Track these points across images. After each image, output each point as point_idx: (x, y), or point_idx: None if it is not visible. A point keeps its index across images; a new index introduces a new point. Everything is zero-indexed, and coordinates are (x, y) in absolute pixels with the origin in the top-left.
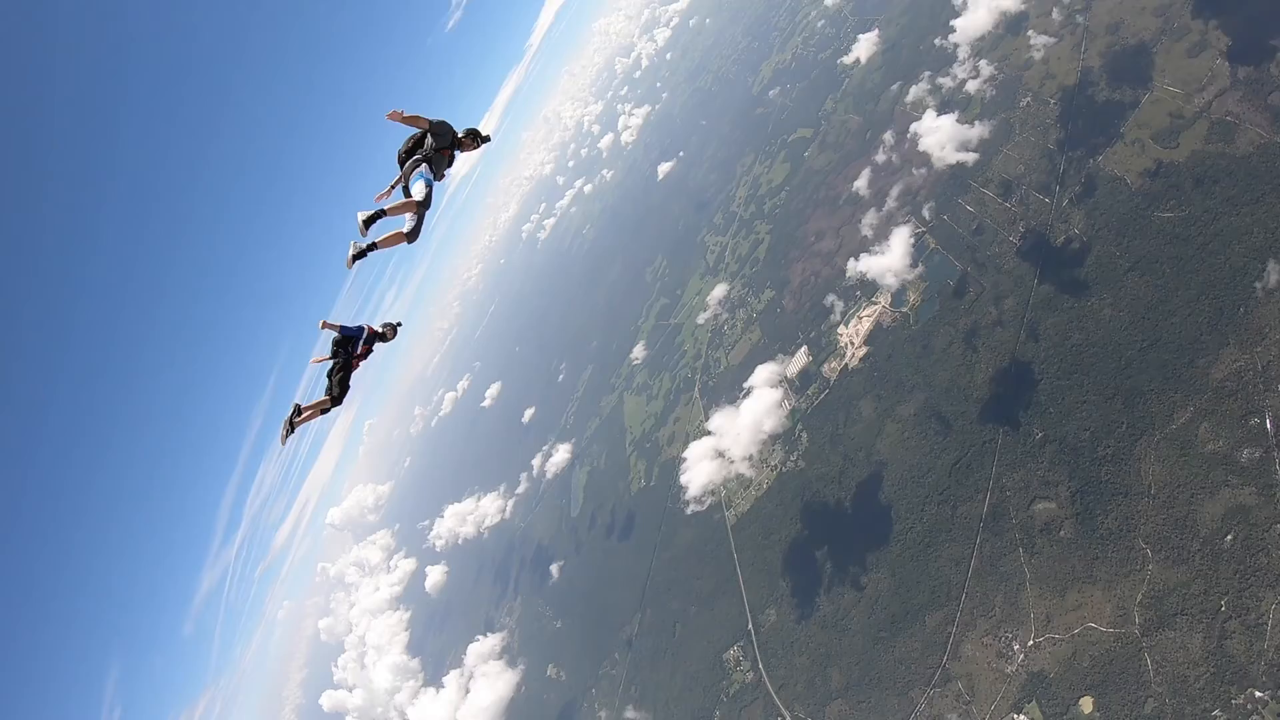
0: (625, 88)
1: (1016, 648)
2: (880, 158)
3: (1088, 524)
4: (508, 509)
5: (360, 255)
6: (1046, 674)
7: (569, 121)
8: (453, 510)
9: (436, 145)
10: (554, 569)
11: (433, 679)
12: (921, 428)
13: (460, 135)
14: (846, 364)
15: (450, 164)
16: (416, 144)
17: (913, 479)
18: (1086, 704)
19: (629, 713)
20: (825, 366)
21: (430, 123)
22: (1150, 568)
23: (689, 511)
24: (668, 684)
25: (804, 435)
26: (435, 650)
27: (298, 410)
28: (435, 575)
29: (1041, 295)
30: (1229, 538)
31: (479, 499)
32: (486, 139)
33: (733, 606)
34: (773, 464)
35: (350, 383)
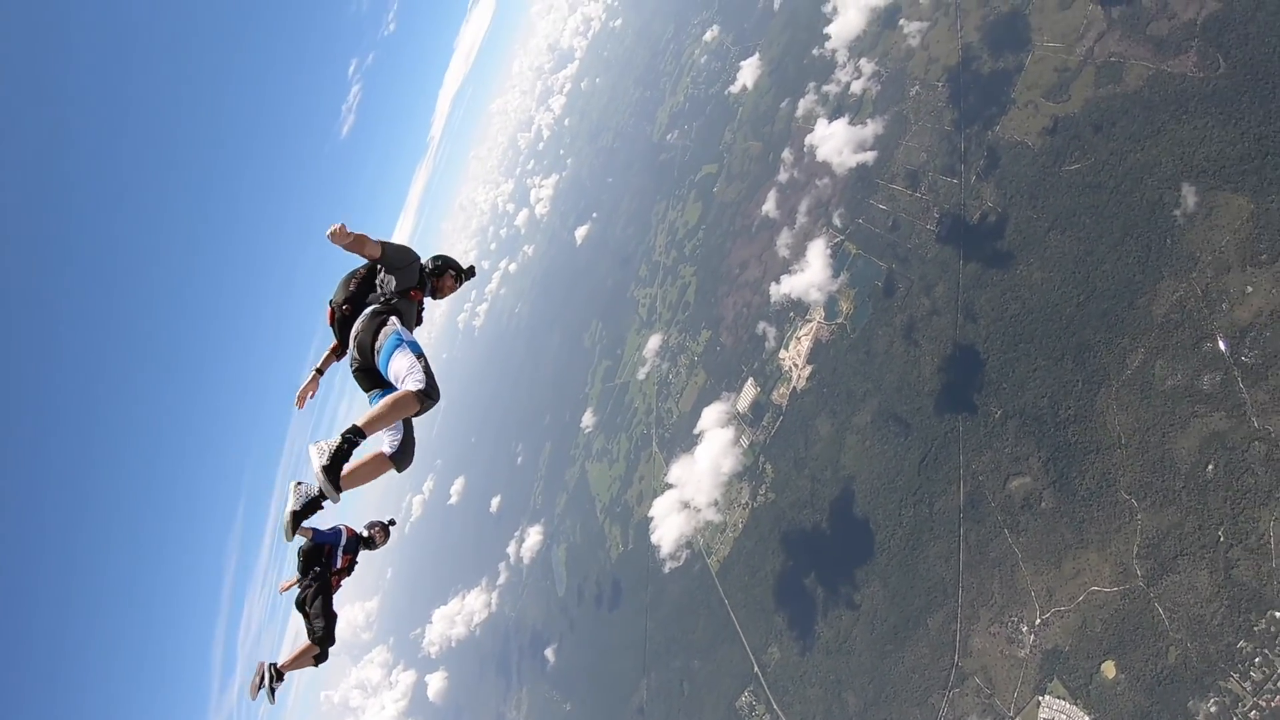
0: (531, 161)
1: (1025, 630)
2: (783, 177)
3: (1066, 490)
4: (493, 601)
5: (313, 509)
6: (1061, 649)
7: (484, 205)
8: (440, 614)
9: (400, 285)
10: (550, 652)
11: None
12: (881, 433)
13: (433, 268)
14: (795, 387)
15: (420, 320)
16: (364, 285)
17: (884, 486)
18: (1109, 668)
19: None
20: (775, 394)
21: (383, 246)
22: (1139, 517)
23: (667, 570)
24: None
25: (768, 466)
26: None
27: (277, 674)
28: (436, 683)
29: (970, 275)
30: (1210, 468)
31: (463, 597)
32: (470, 272)
33: (734, 652)
34: (742, 502)
35: (335, 610)
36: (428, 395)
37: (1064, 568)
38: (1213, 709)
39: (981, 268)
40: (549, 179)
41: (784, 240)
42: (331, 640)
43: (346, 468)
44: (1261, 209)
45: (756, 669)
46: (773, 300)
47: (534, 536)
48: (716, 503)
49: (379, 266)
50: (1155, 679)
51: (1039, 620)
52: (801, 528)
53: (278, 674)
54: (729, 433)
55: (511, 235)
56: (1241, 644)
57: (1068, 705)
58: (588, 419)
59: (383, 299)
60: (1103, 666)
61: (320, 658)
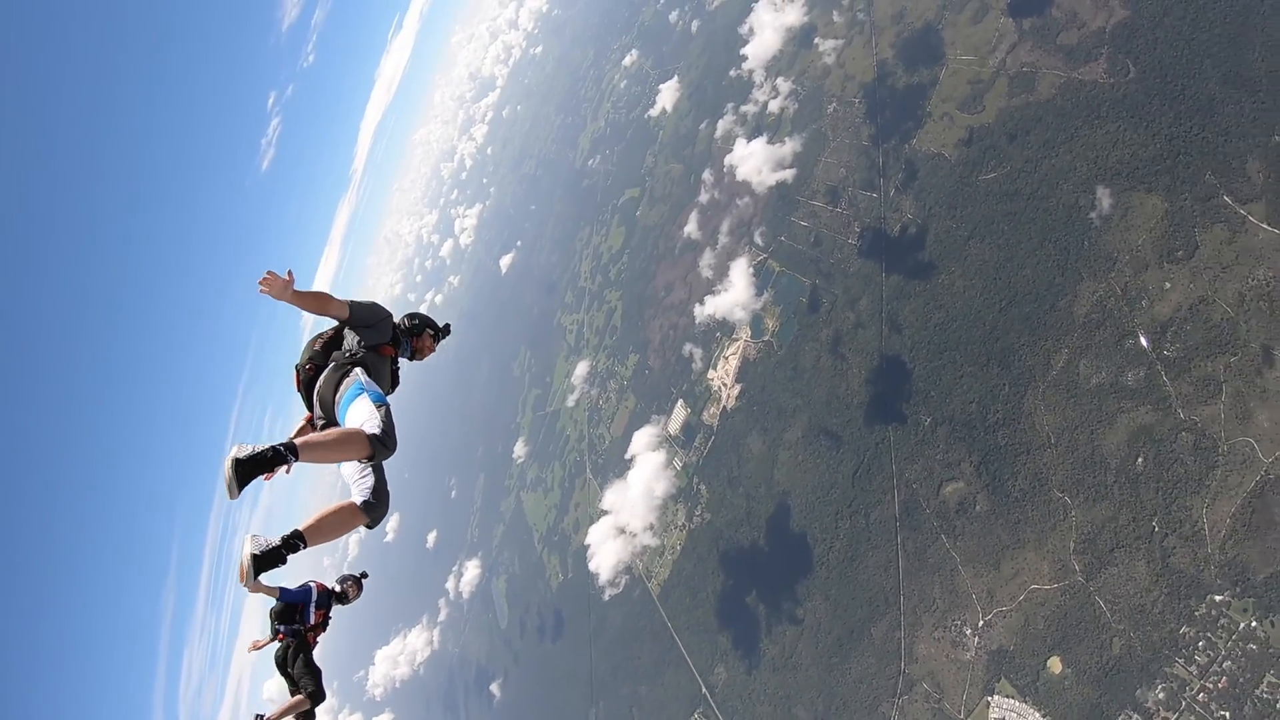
0: (454, 191)
1: (969, 633)
2: (704, 198)
3: (1000, 492)
4: (435, 639)
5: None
6: (1006, 648)
7: (408, 237)
8: (382, 654)
9: (369, 343)
10: (496, 687)
11: None
12: (813, 447)
13: (408, 326)
14: (725, 406)
15: (396, 382)
16: (330, 345)
17: (819, 500)
18: (1055, 664)
19: None
20: (705, 414)
21: (350, 305)
22: (1073, 514)
23: (607, 597)
24: None
25: (702, 487)
26: None
27: None
28: None
29: (893, 287)
30: (1140, 460)
31: (405, 636)
32: (447, 330)
33: (681, 675)
34: (679, 524)
35: (318, 665)
36: (383, 443)
37: (1003, 568)
38: (1161, 695)
39: (904, 279)
40: (473, 208)
41: (707, 261)
42: (323, 696)
43: (310, 520)
44: (1175, 207)
45: (705, 690)
46: (698, 321)
47: (472, 570)
48: (652, 526)
49: (343, 328)
50: (1102, 671)
51: (982, 622)
52: (739, 546)
53: None
54: (661, 455)
55: (437, 266)
56: (1184, 630)
57: (1017, 704)
58: (520, 449)
59: (348, 354)
60: (1049, 663)
61: (310, 715)
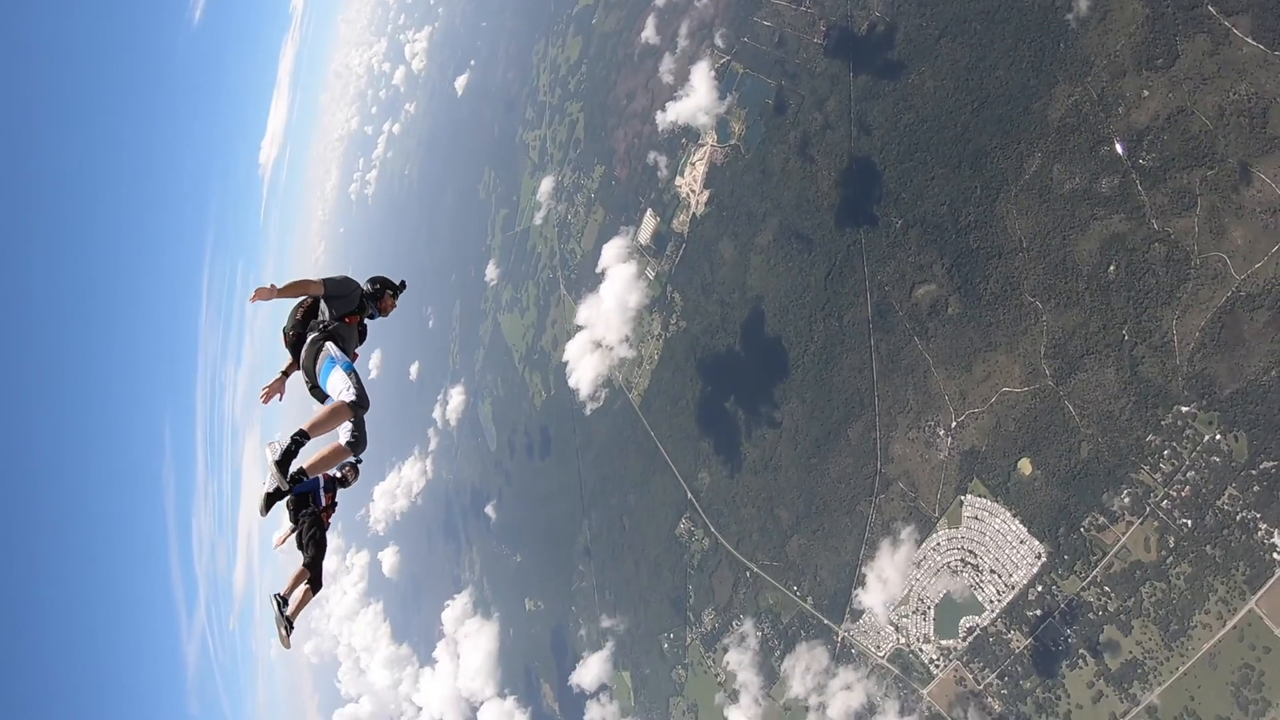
0: (401, 16)
1: (942, 433)
2: (661, 1)
3: (971, 295)
4: (428, 469)
5: (279, 495)
6: (978, 449)
7: (359, 69)
8: (380, 490)
9: (338, 312)
10: (490, 509)
11: (426, 658)
12: (784, 251)
13: (367, 291)
14: (694, 213)
15: (363, 337)
16: (308, 314)
17: (792, 304)
18: (1025, 466)
19: (604, 621)
20: (675, 222)
21: (322, 282)
22: (1044, 319)
23: (589, 411)
24: (635, 577)
25: (676, 296)
26: (420, 629)
27: (282, 601)
28: (389, 558)
29: (861, 87)
30: (1111, 268)
31: (399, 470)
32: (403, 286)
33: (667, 482)
34: (655, 334)
35: (327, 542)
36: (358, 404)
37: (975, 371)
38: (1126, 500)
39: (873, 79)
40: (422, 31)
41: (668, 66)
42: (322, 557)
43: (311, 459)
44: (1156, 13)
45: (690, 496)
46: (662, 129)
47: (457, 398)
48: (628, 338)
49: (318, 301)
50: (1070, 474)
51: (954, 423)
52: (716, 352)
53: (282, 601)
54: (632, 267)
55: (391, 95)
56: (1150, 438)
57: (989, 503)
58: (492, 271)
59: (320, 326)
60: (1019, 464)
61: (316, 579)
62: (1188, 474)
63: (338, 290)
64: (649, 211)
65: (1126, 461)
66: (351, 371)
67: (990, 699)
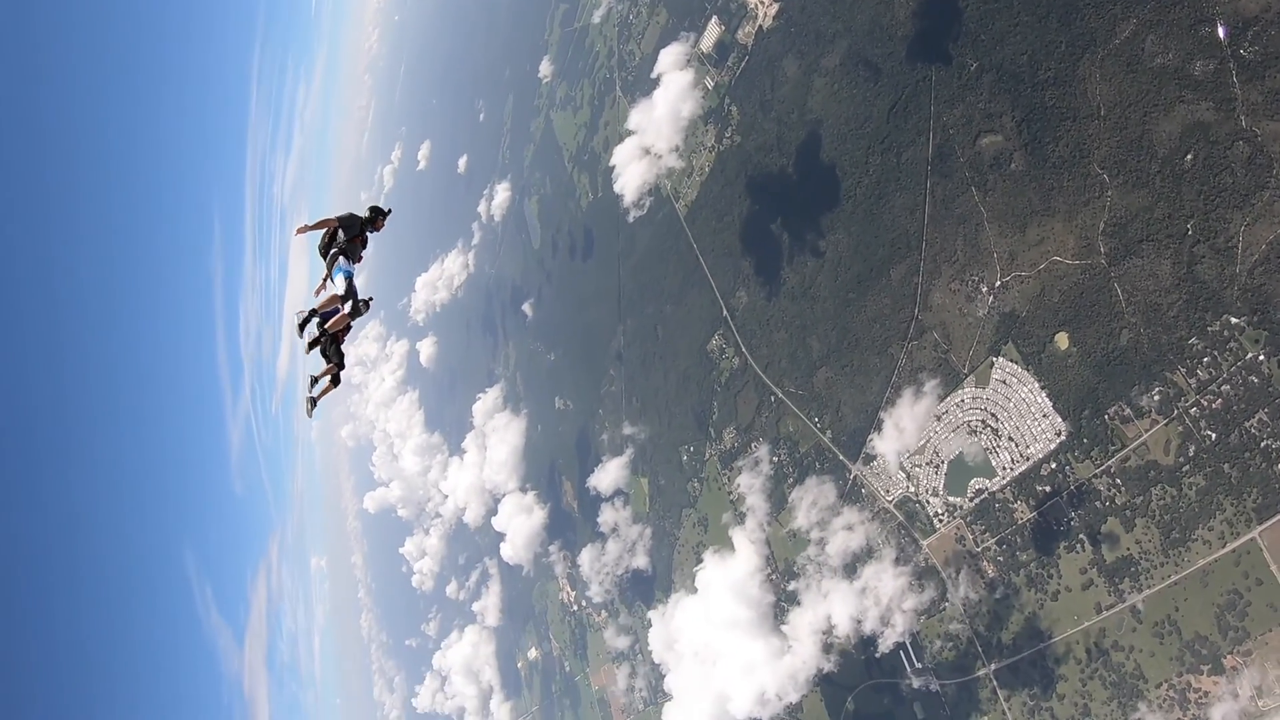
0: None
1: (984, 290)
2: None
3: (1038, 153)
4: (470, 263)
5: (314, 343)
6: (1018, 313)
7: None
8: (422, 281)
9: (348, 235)
10: (528, 306)
11: (455, 448)
12: (850, 77)
13: (365, 218)
14: (761, 25)
15: (364, 246)
16: (332, 238)
17: (851, 132)
18: (1062, 339)
19: (626, 428)
20: (740, 33)
21: (337, 219)
22: (1109, 194)
23: (631, 219)
24: (663, 387)
25: (733, 109)
26: (453, 419)
27: (313, 380)
28: (427, 348)
29: None
30: (1189, 157)
31: (442, 262)
32: (389, 211)
33: (704, 296)
34: (708, 145)
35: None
36: (345, 297)
37: (1028, 233)
38: (1156, 399)
39: None
40: None
41: None
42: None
43: (319, 303)
44: None
45: (725, 313)
46: None
47: (503, 193)
48: (678, 148)
49: (338, 230)
50: (1105, 358)
51: (999, 282)
52: (768, 172)
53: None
54: (689, 74)
55: None
56: (1193, 341)
57: (1019, 370)
58: (545, 67)
59: (337, 245)
60: (1056, 337)
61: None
62: (1222, 387)
63: (347, 222)
64: (714, 19)
65: (1164, 359)
66: (349, 276)
67: (985, 563)
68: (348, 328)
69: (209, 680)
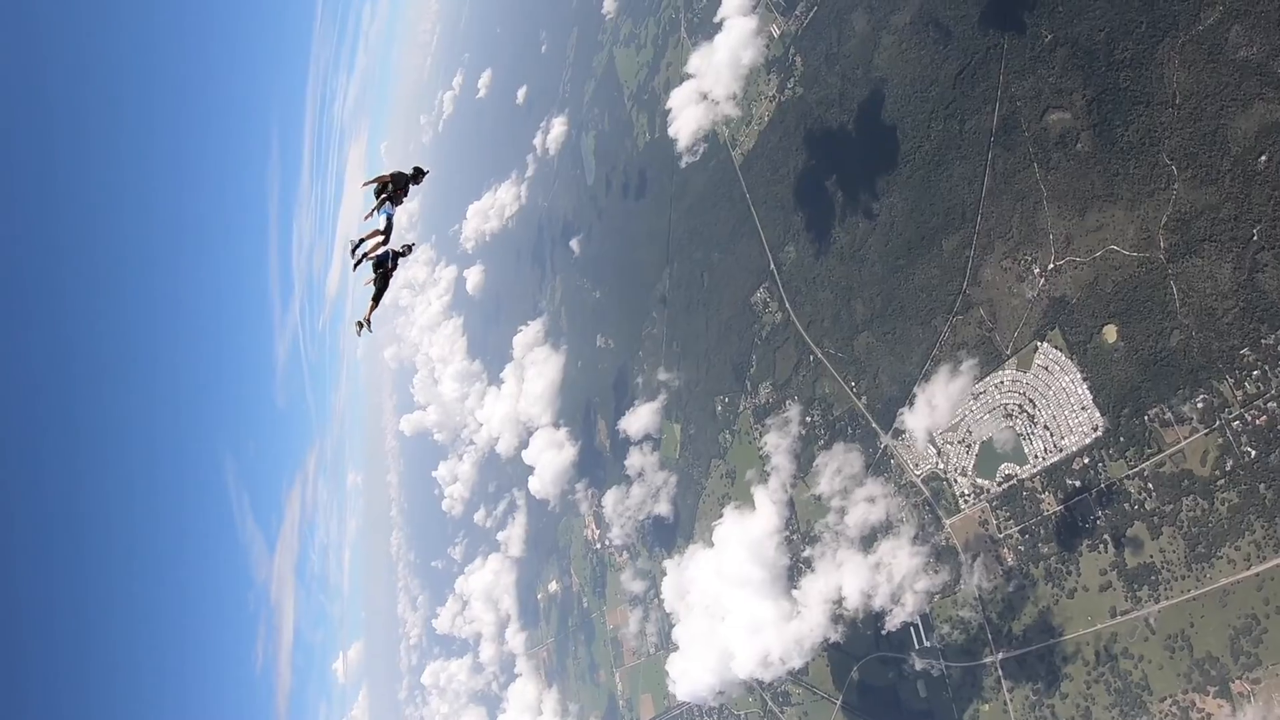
0: None
1: (1036, 271)
2: None
3: (1106, 136)
4: (522, 194)
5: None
6: (1068, 300)
7: None
8: (473, 209)
9: (394, 186)
10: (575, 243)
11: (494, 378)
12: (919, 37)
13: (410, 175)
14: None
15: (406, 195)
16: (384, 186)
17: (915, 94)
18: (1110, 332)
19: (662, 374)
20: None
21: (391, 175)
22: (1176, 187)
23: (684, 164)
24: (704, 335)
25: (797, 59)
26: (494, 347)
27: (367, 319)
28: (474, 276)
29: None
30: (1263, 158)
31: (495, 191)
32: (428, 172)
33: (753, 247)
34: (769, 95)
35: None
36: (385, 235)
37: (1088, 218)
38: (1199, 406)
39: None
40: None
41: None
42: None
43: (364, 236)
44: None
45: (772, 267)
46: None
47: (559, 126)
48: (735, 96)
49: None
50: (1152, 357)
51: (1052, 265)
52: (828, 127)
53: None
54: (753, 22)
55: None
56: (1245, 352)
57: (1063, 358)
58: (610, 4)
59: (389, 193)
60: (1105, 329)
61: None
62: (1269, 404)
63: (398, 180)
64: None
65: (1213, 366)
66: (390, 218)
67: (1005, 550)
68: (395, 264)
69: (238, 584)
